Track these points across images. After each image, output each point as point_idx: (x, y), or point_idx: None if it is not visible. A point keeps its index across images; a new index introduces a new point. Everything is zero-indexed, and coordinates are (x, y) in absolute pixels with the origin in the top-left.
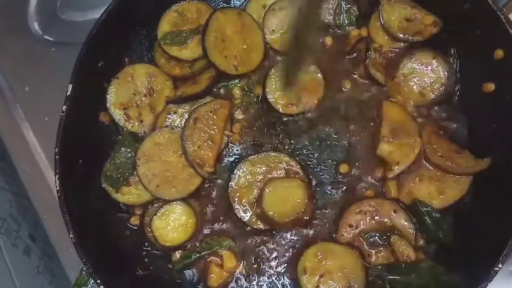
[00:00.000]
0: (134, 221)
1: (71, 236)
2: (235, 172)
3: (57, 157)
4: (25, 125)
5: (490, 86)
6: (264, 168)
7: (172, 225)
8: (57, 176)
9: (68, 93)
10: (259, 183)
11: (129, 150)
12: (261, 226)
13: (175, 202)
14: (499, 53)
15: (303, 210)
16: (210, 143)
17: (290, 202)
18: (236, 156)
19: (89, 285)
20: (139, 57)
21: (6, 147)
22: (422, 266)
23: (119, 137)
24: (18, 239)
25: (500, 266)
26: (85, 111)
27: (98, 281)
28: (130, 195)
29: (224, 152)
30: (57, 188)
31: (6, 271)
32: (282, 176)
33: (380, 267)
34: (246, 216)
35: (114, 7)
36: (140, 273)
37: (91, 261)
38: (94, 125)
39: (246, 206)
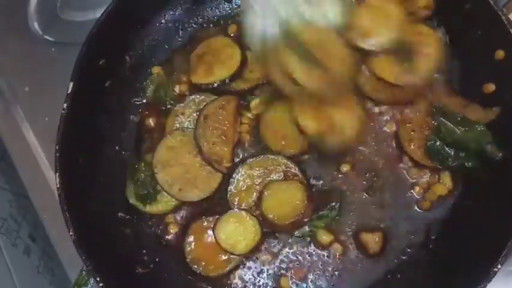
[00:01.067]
0: (174, 228)
1: (70, 233)
2: (233, 176)
3: (57, 154)
4: (25, 125)
5: (491, 87)
6: (262, 171)
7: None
8: (57, 174)
9: (69, 90)
10: (258, 187)
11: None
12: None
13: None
14: (500, 54)
15: (302, 212)
16: (224, 138)
17: (289, 204)
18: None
19: (89, 285)
20: (140, 56)
21: (6, 147)
22: (476, 127)
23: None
24: (18, 239)
25: (499, 266)
26: (86, 109)
27: (98, 279)
28: (159, 203)
29: None
30: (58, 185)
31: (6, 271)
32: (280, 178)
33: (439, 106)
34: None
35: (114, 7)
36: (140, 271)
37: (90, 259)
38: (95, 123)
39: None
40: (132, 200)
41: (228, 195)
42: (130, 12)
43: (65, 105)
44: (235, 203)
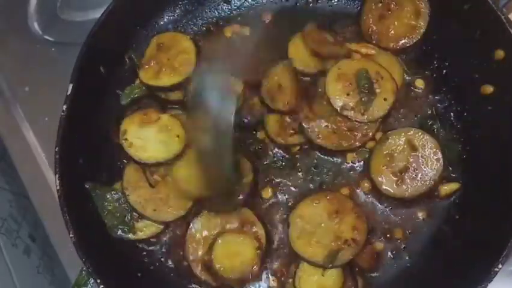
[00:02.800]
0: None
1: (71, 235)
2: (190, 226)
3: (57, 156)
4: (25, 125)
5: (488, 89)
6: (219, 221)
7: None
8: (57, 176)
9: (69, 92)
10: (214, 236)
11: (110, 194)
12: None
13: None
14: (500, 54)
15: (251, 269)
16: None
17: (239, 259)
18: None
19: (89, 285)
20: (139, 57)
21: (6, 147)
22: None
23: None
24: (18, 239)
25: (500, 266)
26: (86, 111)
27: (98, 281)
28: (146, 226)
29: None
30: (57, 187)
31: (6, 271)
32: (236, 226)
33: None
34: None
35: (114, 7)
36: (140, 273)
37: (91, 261)
38: (94, 124)
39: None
40: (114, 234)
41: (185, 242)
42: (130, 13)
43: (64, 107)
44: (191, 253)
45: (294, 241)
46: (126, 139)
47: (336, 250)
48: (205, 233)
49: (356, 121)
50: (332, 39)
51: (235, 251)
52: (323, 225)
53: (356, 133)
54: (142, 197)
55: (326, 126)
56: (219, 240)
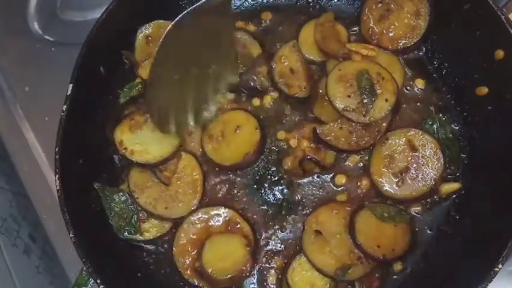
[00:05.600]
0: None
1: (71, 235)
2: (179, 231)
3: (57, 157)
4: (25, 125)
5: (484, 90)
6: (204, 224)
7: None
8: (57, 176)
9: (69, 92)
10: (202, 238)
11: (117, 195)
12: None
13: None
14: (500, 54)
15: (243, 267)
16: None
17: (230, 259)
18: None
19: (89, 285)
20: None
21: (6, 147)
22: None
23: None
24: (18, 239)
25: (500, 266)
26: (85, 111)
27: (98, 281)
28: (153, 227)
29: None
30: (57, 187)
31: (6, 271)
32: (219, 224)
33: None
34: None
35: (114, 7)
36: (140, 273)
37: (90, 261)
38: (95, 124)
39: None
40: (121, 235)
41: (174, 254)
42: (130, 13)
43: (64, 107)
44: (181, 260)
45: (307, 246)
46: (126, 148)
47: (348, 265)
48: (192, 238)
49: (358, 123)
50: (345, 35)
51: (225, 252)
52: (338, 236)
53: (370, 131)
54: (151, 197)
55: (340, 128)
56: (207, 245)
